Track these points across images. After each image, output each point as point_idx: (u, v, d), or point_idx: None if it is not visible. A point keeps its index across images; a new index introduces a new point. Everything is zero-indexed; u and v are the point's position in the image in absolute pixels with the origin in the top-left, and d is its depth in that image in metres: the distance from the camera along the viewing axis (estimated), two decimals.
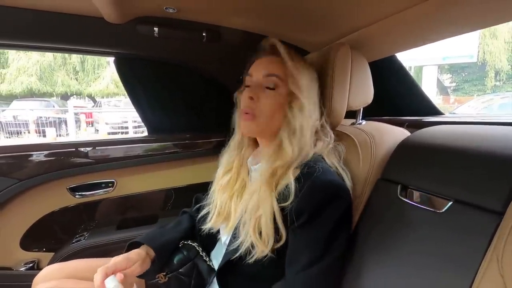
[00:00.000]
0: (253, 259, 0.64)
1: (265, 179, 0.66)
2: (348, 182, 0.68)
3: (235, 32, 1.01)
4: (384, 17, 0.76)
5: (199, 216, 0.85)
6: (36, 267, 1.17)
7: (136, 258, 0.71)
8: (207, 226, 0.80)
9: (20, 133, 8.16)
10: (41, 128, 8.02)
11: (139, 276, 0.74)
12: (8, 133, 8.12)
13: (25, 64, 11.88)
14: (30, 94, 12.11)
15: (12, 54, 11.66)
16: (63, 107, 9.85)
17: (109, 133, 8.40)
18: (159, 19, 0.92)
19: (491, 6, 0.64)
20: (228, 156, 0.82)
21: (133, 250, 0.74)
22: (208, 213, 0.82)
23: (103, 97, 13.54)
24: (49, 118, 8.39)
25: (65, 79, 12.54)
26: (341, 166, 0.69)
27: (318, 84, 0.75)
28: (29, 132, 8.06)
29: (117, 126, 8.66)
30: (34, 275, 0.86)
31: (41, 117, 8.24)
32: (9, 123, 8.18)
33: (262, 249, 0.63)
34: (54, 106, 9.79)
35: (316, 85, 0.74)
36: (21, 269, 1.15)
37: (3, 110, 8.92)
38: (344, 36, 0.92)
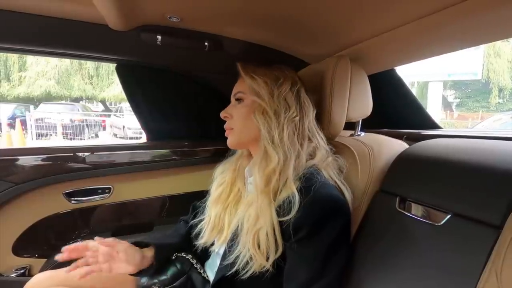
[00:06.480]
0: (249, 272, 0.62)
1: (260, 189, 0.66)
2: (348, 197, 0.66)
3: (237, 42, 1.02)
4: (383, 31, 0.76)
5: (194, 232, 0.84)
6: (28, 273, 1.14)
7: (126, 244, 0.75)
8: (201, 241, 0.80)
9: (47, 135, 8.41)
10: (72, 131, 8.41)
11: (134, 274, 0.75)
12: (36, 135, 8.32)
13: (44, 68, 12.29)
14: (47, 98, 12.47)
15: (30, 58, 12.02)
16: (85, 111, 10.53)
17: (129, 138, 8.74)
18: (162, 28, 0.94)
19: (489, 23, 0.64)
20: (221, 170, 0.85)
21: None
22: (202, 229, 0.81)
23: (111, 103, 13.75)
24: (74, 121, 8.79)
25: (80, 84, 12.97)
26: (340, 180, 0.68)
27: (297, 88, 0.72)
28: (56, 135, 8.30)
29: (139, 131, 8.78)
30: (24, 282, 0.84)
31: (69, 120, 8.66)
32: (38, 126, 8.45)
33: (261, 263, 0.62)
34: (78, 110, 10.39)
35: (285, 89, 0.71)
36: (11, 275, 1.12)
37: (28, 113, 9.09)
38: (344, 48, 0.92)
